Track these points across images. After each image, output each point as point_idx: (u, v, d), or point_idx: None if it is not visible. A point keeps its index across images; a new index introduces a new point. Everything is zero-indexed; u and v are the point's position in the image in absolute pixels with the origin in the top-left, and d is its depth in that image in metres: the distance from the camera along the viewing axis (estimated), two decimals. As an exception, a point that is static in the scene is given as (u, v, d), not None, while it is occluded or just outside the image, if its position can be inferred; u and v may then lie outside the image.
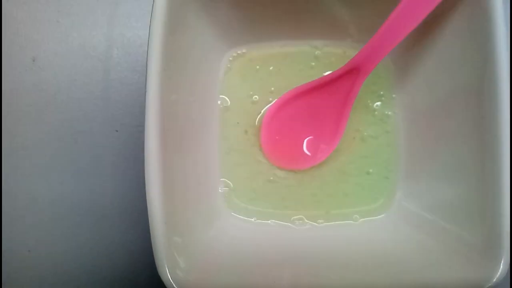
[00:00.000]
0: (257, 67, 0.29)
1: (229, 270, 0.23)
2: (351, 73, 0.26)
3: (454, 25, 0.24)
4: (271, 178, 0.28)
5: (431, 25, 0.25)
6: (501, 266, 0.21)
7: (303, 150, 0.28)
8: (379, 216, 0.28)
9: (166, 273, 0.20)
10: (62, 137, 0.29)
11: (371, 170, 0.29)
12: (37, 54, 0.29)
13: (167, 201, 0.21)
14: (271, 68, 0.29)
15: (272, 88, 0.29)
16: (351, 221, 0.28)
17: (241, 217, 0.28)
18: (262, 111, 0.28)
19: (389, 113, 0.29)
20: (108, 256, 0.29)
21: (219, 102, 0.28)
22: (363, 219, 0.28)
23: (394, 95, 0.29)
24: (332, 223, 0.28)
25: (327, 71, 0.28)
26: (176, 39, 0.23)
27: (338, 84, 0.26)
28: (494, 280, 0.21)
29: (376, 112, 0.29)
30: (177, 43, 0.23)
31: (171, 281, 0.19)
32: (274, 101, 0.28)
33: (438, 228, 0.25)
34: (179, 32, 0.23)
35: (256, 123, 0.28)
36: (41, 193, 0.29)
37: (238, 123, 0.28)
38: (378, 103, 0.29)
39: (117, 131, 0.29)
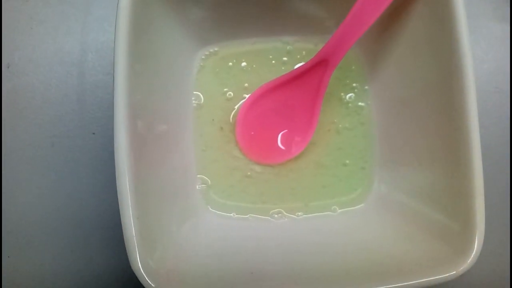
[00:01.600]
0: (230, 64, 0.29)
1: (206, 264, 0.23)
2: (320, 65, 0.26)
3: (418, 12, 0.24)
4: (249, 173, 0.29)
5: (396, 14, 0.26)
6: (475, 247, 0.22)
7: (278, 144, 0.29)
8: (358, 206, 0.29)
9: (138, 264, 0.19)
10: (38, 141, 0.29)
11: (347, 161, 0.29)
12: (11, 60, 0.30)
13: (139, 197, 0.21)
14: (244, 65, 0.29)
15: (246, 85, 0.29)
16: (330, 212, 0.28)
17: (220, 212, 0.28)
18: (236, 108, 0.29)
19: (363, 104, 0.29)
20: (87, 259, 0.29)
21: (193, 100, 0.29)
22: (342, 209, 0.28)
23: (366, 87, 0.29)
24: (311, 215, 0.28)
25: (299, 65, 0.29)
26: (144, 39, 0.23)
27: (308, 77, 0.27)
28: (469, 260, 0.21)
29: (350, 104, 0.29)
30: (146, 44, 0.23)
31: (142, 271, 0.19)
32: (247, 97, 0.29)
33: (416, 213, 0.26)
34: (147, 32, 0.23)
35: (231, 119, 0.29)
36: (18, 198, 0.29)
37: (213, 120, 0.28)
38: (352, 95, 0.29)
39: (94, 133, 0.30)
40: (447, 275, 0.21)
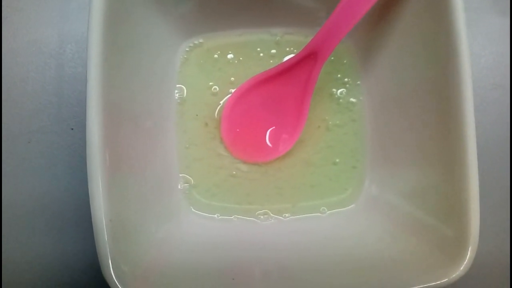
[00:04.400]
0: (216, 57, 0.28)
1: (185, 268, 0.22)
2: (309, 58, 0.25)
3: (413, 5, 0.23)
4: (234, 172, 0.27)
5: (389, 6, 0.24)
6: (468, 254, 0.21)
7: (265, 142, 0.27)
8: (348, 207, 0.27)
9: (110, 271, 0.18)
10: (14, 136, 0.28)
11: (337, 160, 0.28)
12: (-15, 51, 0.28)
13: (113, 198, 0.20)
14: (230, 57, 0.28)
15: (232, 79, 0.28)
16: (319, 214, 0.27)
17: (203, 213, 0.27)
18: (222, 103, 0.27)
19: (354, 100, 0.28)
20: (62, 257, 0.27)
21: (176, 94, 0.27)
22: (331, 211, 0.27)
23: (358, 82, 0.28)
24: (299, 216, 0.27)
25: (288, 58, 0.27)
26: (121, 30, 0.21)
27: (297, 71, 0.25)
28: (462, 268, 0.20)
29: (341, 100, 0.28)
30: (123, 35, 0.22)
31: (114, 278, 0.18)
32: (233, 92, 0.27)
33: (408, 216, 0.25)
34: (125, 22, 0.22)
35: (216, 115, 0.27)
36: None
37: (197, 115, 0.27)
38: (343, 90, 0.28)
39: (72, 129, 0.28)
40: (438, 282, 0.20)
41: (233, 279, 0.22)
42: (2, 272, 0.27)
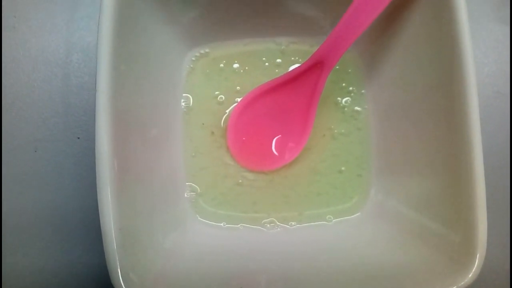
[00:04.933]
0: (221, 66, 0.28)
1: (193, 277, 0.22)
2: (315, 67, 0.25)
3: (419, 15, 0.23)
4: (240, 180, 0.27)
5: (395, 16, 0.25)
6: (476, 261, 0.21)
7: (271, 150, 0.27)
8: (353, 215, 0.27)
9: (119, 280, 0.18)
10: (20, 145, 0.28)
11: (343, 168, 0.28)
12: (-8, 60, 0.28)
13: (122, 207, 0.20)
14: (236, 66, 0.28)
15: (238, 88, 0.28)
16: (325, 222, 0.27)
17: (209, 222, 0.27)
18: (228, 112, 0.28)
19: (359, 109, 0.28)
20: (69, 267, 0.27)
21: (183, 103, 0.27)
22: (337, 219, 0.27)
23: (363, 91, 0.28)
24: (305, 224, 0.27)
25: (294, 68, 0.27)
26: (129, 39, 0.22)
27: (303, 79, 0.25)
28: (470, 275, 0.20)
29: (346, 109, 0.28)
30: (131, 44, 0.22)
31: (122, 285, 0.18)
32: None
33: (415, 223, 0.25)
34: (133, 31, 0.22)
35: (222, 124, 0.27)
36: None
37: (203, 124, 0.27)
38: (348, 99, 0.28)
39: (79, 138, 0.28)
40: (447, 290, 0.20)
41: (241, 287, 0.21)
42: (3, 281, 0.27)
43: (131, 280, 0.19)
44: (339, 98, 0.28)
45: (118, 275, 0.18)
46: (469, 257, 0.21)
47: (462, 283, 0.20)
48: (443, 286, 0.20)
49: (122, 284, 0.18)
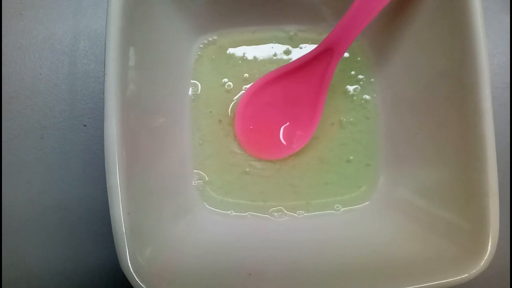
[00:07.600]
0: (229, 53, 0.27)
1: (201, 264, 0.22)
2: (325, 54, 0.24)
3: (429, 2, 0.23)
4: (248, 169, 0.27)
5: (405, 4, 0.24)
6: (489, 248, 0.20)
7: (279, 139, 0.27)
8: (362, 205, 0.27)
9: (127, 263, 0.18)
10: (27, 133, 0.28)
11: (351, 158, 0.28)
12: (-1, 47, 0.28)
13: (130, 193, 0.20)
14: (243, 54, 0.28)
15: (246, 75, 0.27)
16: (333, 211, 0.27)
17: (217, 210, 0.26)
18: (236, 99, 0.27)
19: (368, 97, 0.28)
20: (76, 254, 0.27)
21: (190, 91, 0.27)
22: (345, 208, 0.27)
23: (372, 79, 0.28)
24: (313, 213, 0.27)
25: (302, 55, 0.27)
26: (137, 26, 0.21)
27: (312, 67, 0.25)
28: (482, 262, 0.20)
29: (354, 97, 0.28)
30: (139, 31, 0.22)
31: (131, 270, 0.18)
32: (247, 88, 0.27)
33: (424, 212, 0.24)
34: (141, 18, 0.22)
35: (230, 112, 0.27)
36: (6, 192, 0.27)
37: (211, 112, 0.27)
38: (357, 87, 0.28)
39: (85, 125, 0.28)
40: (458, 277, 0.20)
41: (249, 274, 0.21)
42: (6, 272, 0.27)
43: (140, 264, 0.19)
44: (348, 87, 0.28)
45: (127, 258, 0.18)
46: (481, 245, 0.20)
47: (474, 271, 0.20)
48: (454, 274, 0.20)
49: (131, 267, 0.18)
